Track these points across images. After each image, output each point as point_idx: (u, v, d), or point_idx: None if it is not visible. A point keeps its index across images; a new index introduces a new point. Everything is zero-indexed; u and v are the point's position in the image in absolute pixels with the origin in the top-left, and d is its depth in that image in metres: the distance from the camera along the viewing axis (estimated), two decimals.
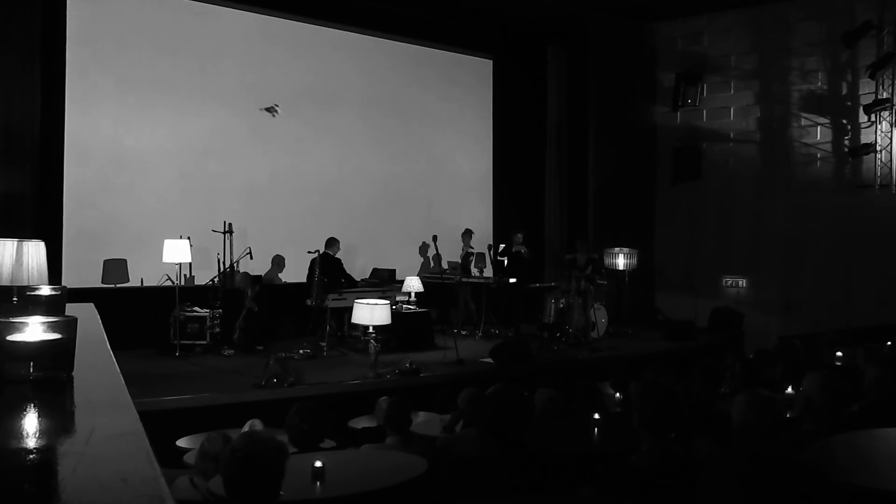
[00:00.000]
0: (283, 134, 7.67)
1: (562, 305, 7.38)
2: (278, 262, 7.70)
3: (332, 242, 7.09)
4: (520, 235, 7.90)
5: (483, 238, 8.32)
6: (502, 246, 7.91)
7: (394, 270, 7.57)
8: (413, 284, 7.15)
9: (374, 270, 7.72)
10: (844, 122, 8.04)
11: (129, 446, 0.79)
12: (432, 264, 7.88)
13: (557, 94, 9.27)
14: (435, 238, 6.81)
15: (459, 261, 7.74)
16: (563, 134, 9.29)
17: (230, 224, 7.07)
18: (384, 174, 8.35)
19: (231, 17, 7.37)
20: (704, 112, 8.96)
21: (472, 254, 7.80)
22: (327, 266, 6.67)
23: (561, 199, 9.26)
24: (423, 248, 8.60)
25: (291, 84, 7.71)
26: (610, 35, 8.90)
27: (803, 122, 8.28)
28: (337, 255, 7.04)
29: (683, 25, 8.88)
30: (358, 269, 8.05)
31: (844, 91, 8.05)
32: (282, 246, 7.64)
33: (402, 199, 8.52)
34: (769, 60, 8.48)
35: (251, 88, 7.48)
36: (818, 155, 8.16)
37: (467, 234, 8.06)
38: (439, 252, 6.73)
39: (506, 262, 7.69)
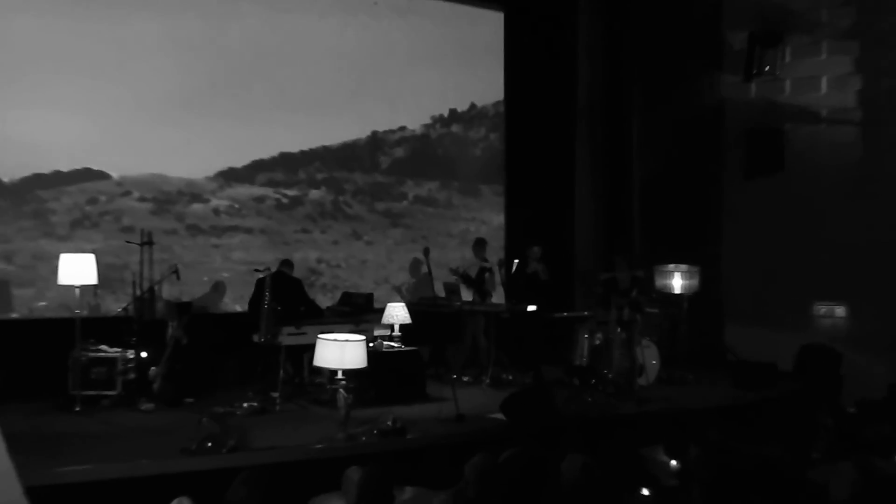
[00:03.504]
0: (223, 105, 7.83)
1: (598, 342, 7.41)
2: (216, 285, 7.80)
3: (289, 265, 7.22)
4: (536, 250, 7.95)
5: (492, 251, 8.40)
6: (516, 262, 7.95)
7: (371, 295, 7.61)
8: (397, 314, 7.13)
9: (346, 295, 7.75)
10: None
11: None
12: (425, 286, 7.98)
13: (590, 61, 9.38)
14: (427, 252, 6.89)
15: (460, 279, 7.79)
16: (598, 113, 9.40)
17: (149, 233, 7.17)
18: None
19: None
20: (787, 83, 9.04)
21: (489, 271, 7.81)
22: (282, 289, 6.70)
23: (595, 200, 9.36)
24: (414, 266, 8.68)
25: (239, 42, 7.94)
26: None
27: None
28: (293, 277, 7.14)
29: None
30: (322, 293, 8.15)
31: None
32: (221, 262, 7.76)
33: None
34: (873, 15, 8.56)
35: (178, 49, 7.64)
36: None
37: (480, 245, 8.10)
38: (432, 270, 6.78)
39: (518, 283, 7.81)
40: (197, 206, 7.82)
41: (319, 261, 8.38)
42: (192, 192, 7.80)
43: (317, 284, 8.23)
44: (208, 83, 7.74)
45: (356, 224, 8.68)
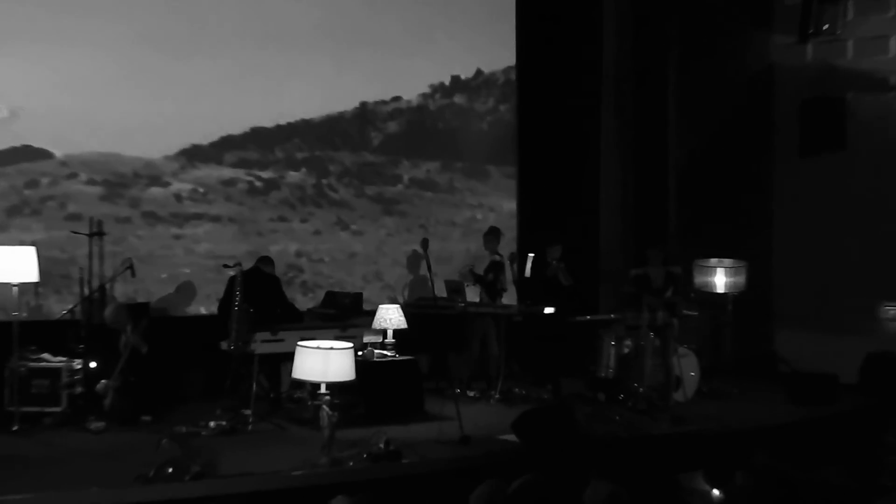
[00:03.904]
0: (186, 71, 7.81)
1: (627, 350, 7.44)
2: (178, 283, 7.80)
3: (268, 262, 7.22)
4: (557, 249, 7.95)
5: (502, 242, 8.33)
6: (531, 257, 7.94)
7: (359, 295, 7.63)
8: (390, 317, 7.17)
9: (330, 295, 7.75)
10: None
11: None
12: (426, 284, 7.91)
13: (618, 20, 9.35)
14: (425, 244, 6.88)
15: (472, 281, 7.78)
16: (627, 82, 9.36)
17: (99, 222, 7.16)
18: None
19: None
20: (850, 45, 9.01)
21: (500, 265, 7.82)
22: (255, 288, 6.69)
23: (624, 184, 9.35)
24: (411, 261, 8.68)
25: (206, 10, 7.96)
26: None
27: None
28: (269, 274, 7.15)
29: None
30: (303, 292, 8.15)
31: None
32: (184, 256, 7.73)
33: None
34: None
35: (132, 7, 7.66)
36: None
37: (493, 235, 8.07)
38: (431, 266, 6.78)
39: (532, 283, 7.83)
40: (155, 191, 7.79)
41: (299, 254, 8.37)
42: (149, 174, 7.77)
43: (296, 282, 8.24)
44: (168, 46, 7.72)
45: (342, 211, 8.66)
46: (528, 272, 7.83)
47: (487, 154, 9.45)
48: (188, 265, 7.86)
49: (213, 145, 8.08)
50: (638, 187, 9.31)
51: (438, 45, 9.02)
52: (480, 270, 7.89)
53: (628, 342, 7.40)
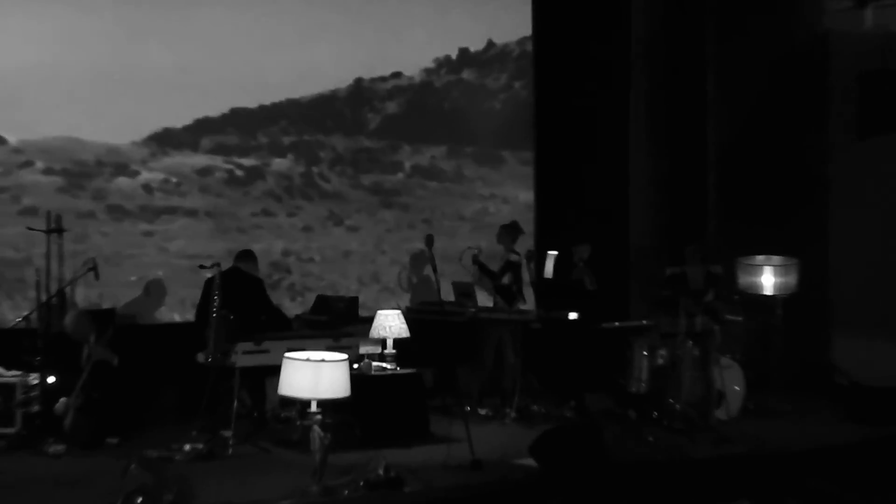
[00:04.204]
0: (155, 45, 7.83)
1: (661, 361, 7.39)
2: (148, 286, 7.83)
3: (248, 257, 7.19)
4: (586, 248, 7.96)
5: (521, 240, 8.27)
6: (552, 255, 7.92)
7: (355, 299, 7.68)
8: (390, 324, 7.13)
9: (321, 299, 7.76)
10: None
11: None
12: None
13: None
14: (430, 241, 6.89)
15: (476, 270, 7.78)
16: (659, 54, 9.31)
17: (58, 217, 7.12)
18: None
19: None
20: None
21: (517, 266, 7.82)
22: (236, 292, 6.69)
23: (657, 172, 9.28)
24: (414, 261, 8.67)
25: None
26: None
27: None
28: (255, 274, 7.15)
29: None
30: (290, 296, 8.18)
31: None
32: (154, 255, 7.78)
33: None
34: None
35: None
36: None
37: (511, 232, 8.04)
38: (437, 266, 6.78)
39: (553, 285, 7.83)
40: (122, 181, 7.82)
41: (286, 253, 8.40)
42: (115, 162, 7.80)
43: (282, 285, 8.28)
44: (135, 13, 7.74)
45: (335, 204, 8.68)
46: (548, 273, 7.84)
47: (500, 137, 9.46)
48: (160, 266, 7.89)
49: (188, 129, 8.11)
50: (672, 175, 9.24)
51: (444, 13, 9.05)
52: (493, 270, 7.89)
53: (663, 352, 7.35)
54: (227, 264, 6.94)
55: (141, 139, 7.90)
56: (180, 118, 8.03)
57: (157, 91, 7.82)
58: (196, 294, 7.08)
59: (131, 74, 7.68)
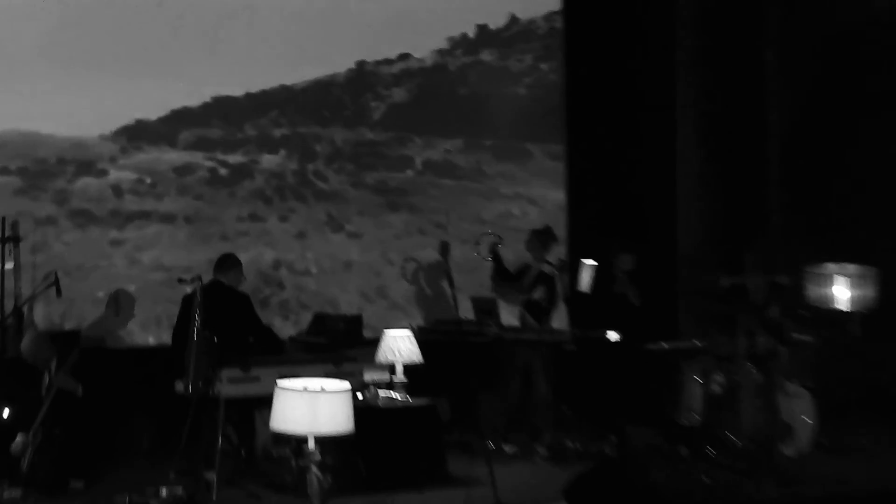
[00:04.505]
0: (127, 25, 7.90)
1: (717, 388, 7.38)
2: (117, 303, 7.83)
3: (228, 264, 7.15)
4: (628, 259, 7.98)
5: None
6: (589, 266, 7.79)
7: (358, 318, 7.72)
8: (400, 347, 7.04)
9: (319, 318, 7.79)
10: None
11: None
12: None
13: None
14: (445, 249, 7.12)
15: (493, 267, 7.79)
16: (710, 25, 9.31)
17: (14, 223, 7.15)
18: None
19: None
20: None
21: (550, 279, 7.83)
22: (220, 309, 6.69)
23: (708, 165, 9.30)
24: (427, 273, 8.65)
25: None
26: None
27: None
28: (240, 289, 7.15)
29: None
30: (282, 314, 8.21)
31: None
32: (125, 268, 7.82)
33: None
34: None
35: None
36: None
37: (542, 238, 8.05)
38: (454, 278, 6.92)
39: (591, 300, 7.80)
40: (87, 181, 7.87)
41: (277, 264, 8.42)
42: (79, 160, 7.85)
43: (273, 301, 8.31)
44: None
45: (334, 206, 8.69)
46: (584, 286, 7.78)
47: (526, 128, 9.44)
48: (131, 279, 7.92)
49: (164, 121, 8.16)
50: (727, 169, 9.27)
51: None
52: (509, 270, 7.90)
53: (719, 378, 7.36)
54: (208, 277, 6.95)
55: (109, 133, 7.97)
56: (155, 108, 8.09)
57: (128, 76, 7.88)
58: (173, 312, 7.11)
59: (98, 56, 7.75)
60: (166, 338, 7.31)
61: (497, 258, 7.84)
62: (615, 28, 9.18)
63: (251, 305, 7.15)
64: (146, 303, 7.84)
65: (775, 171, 9.21)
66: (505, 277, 7.88)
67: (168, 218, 8.07)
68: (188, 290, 6.68)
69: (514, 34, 9.36)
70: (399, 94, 9.04)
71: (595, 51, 9.25)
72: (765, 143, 9.24)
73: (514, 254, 8.21)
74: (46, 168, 7.69)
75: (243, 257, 7.69)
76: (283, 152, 8.55)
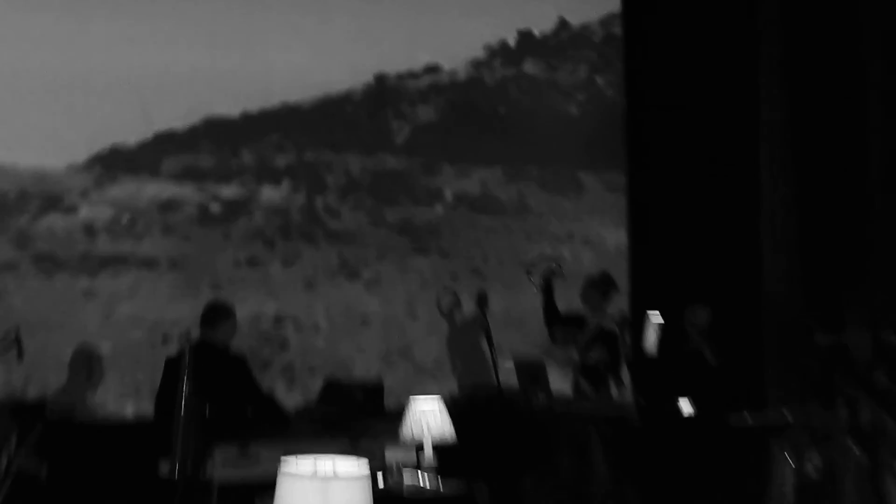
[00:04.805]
0: (100, 34, 8.01)
1: (813, 471, 7.16)
2: (89, 366, 7.59)
3: (218, 317, 6.96)
4: (702, 312, 7.91)
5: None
6: (655, 321, 7.68)
7: (379, 385, 7.67)
8: (429, 420, 6.88)
9: (331, 386, 7.63)
10: None
11: None
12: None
13: None
14: (482, 301, 7.00)
15: (543, 301, 7.68)
16: (797, 33, 9.12)
17: None
18: None
19: None
20: None
21: (612, 336, 7.72)
22: (212, 374, 6.49)
23: (799, 198, 9.18)
24: (462, 329, 8.49)
25: None
26: None
27: None
28: (232, 351, 7.00)
29: None
30: (286, 380, 8.13)
31: None
32: (98, 323, 7.85)
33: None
34: None
35: None
36: None
37: (599, 287, 7.96)
38: (492, 335, 6.87)
39: (659, 363, 7.75)
40: (54, 219, 7.96)
41: (280, 318, 8.42)
42: (45, 194, 7.96)
43: (276, 364, 8.25)
44: None
45: (348, 248, 8.72)
46: (650, 346, 7.72)
47: (578, 154, 9.44)
48: (105, 337, 7.86)
49: (145, 147, 8.22)
50: (821, 201, 9.19)
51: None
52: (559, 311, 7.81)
53: (816, 458, 7.17)
54: (197, 335, 6.75)
55: (81, 161, 8.06)
56: (134, 131, 8.15)
57: (102, 95, 7.95)
58: (156, 377, 6.91)
59: (67, 73, 7.81)
60: (148, 408, 7.16)
61: (549, 290, 7.72)
62: (685, 34, 9.14)
63: (249, 369, 7.02)
64: (123, 366, 7.78)
65: (879, 201, 9.04)
66: (555, 317, 7.75)
67: (149, 263, 8.14)
68: (173, 351, 6.50)
69: (564, 41, 9.44)
70: (426, 113, 9.09)
71: (661, 61, 9.21)
72: (866, 167, 9.10)
73: (565, 304, 7.98)
74: (5, 203, 7.77)
75: (239, 311, 7.48)
76: (286, 184, 8.56)
